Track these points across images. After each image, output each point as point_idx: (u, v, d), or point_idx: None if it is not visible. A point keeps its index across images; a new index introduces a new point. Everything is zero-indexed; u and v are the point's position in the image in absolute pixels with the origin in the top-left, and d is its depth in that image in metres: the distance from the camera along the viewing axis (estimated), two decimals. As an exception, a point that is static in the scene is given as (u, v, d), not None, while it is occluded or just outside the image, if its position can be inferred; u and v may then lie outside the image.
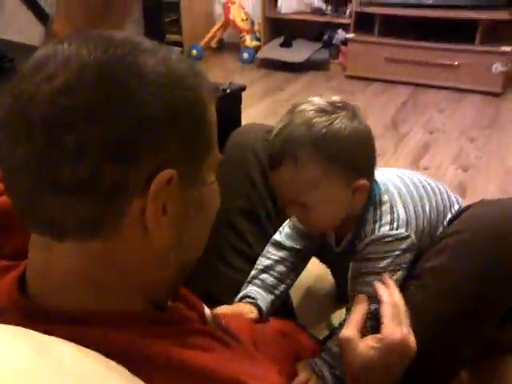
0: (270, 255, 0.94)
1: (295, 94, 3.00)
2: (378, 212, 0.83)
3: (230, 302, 0.89)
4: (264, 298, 0.89)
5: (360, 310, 0.64)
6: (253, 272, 0.92)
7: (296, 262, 0.94)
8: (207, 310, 0.63)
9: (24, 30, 2.30)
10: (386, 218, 0.83)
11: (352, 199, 0.80)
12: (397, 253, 0.82)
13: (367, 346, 0.64)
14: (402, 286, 0.81)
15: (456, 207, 0.94)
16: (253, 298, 0.89)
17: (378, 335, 0.62)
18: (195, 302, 0.61)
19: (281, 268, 0.92)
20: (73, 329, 0.41)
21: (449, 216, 0.92)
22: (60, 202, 0.40)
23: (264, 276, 0.91)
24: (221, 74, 3.47)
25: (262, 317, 0.88)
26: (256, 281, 0.91)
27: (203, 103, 0.46)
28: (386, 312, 0.65)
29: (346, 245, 0.88)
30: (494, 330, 0.84)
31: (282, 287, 0.92)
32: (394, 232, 0.82)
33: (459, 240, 0.82)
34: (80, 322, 0.42)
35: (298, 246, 0.93)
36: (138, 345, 0.42)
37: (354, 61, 3.19)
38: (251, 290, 0.90)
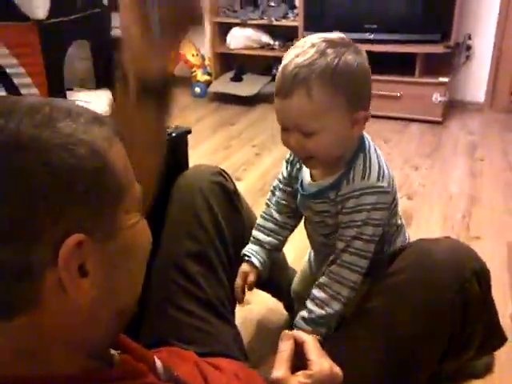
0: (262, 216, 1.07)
1: (246, 128, 3.05)
2: (368, 161, 0.87)
3: (183, 345, 0.89)
4: (258, 253, 1.02)
5: (287, 347, 0.66)
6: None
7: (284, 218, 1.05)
8: (158, 362, 0.63)
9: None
10: (375, 167, 0.87)
11: (351, 131, 0.84)
12: (378, 206, 0.85)
13: (299, 383, 0.65)
14: (344, 324, 0.85)
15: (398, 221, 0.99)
16: (248, 256, 1.02)
17: (308, 371, 0.64)
18: (144, 354, 0.61)
19: (270, 225, 1.04)
20: None
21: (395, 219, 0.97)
22: None
23: (255, 233, 1.05)
24: (173, 108, 3.48)
25: (260, 272, 1.01)
26: (252, 238, 1.05)
27: (100, 154, 0.44)
28: (310, 347, 0.66)
29: (325, 187, 0.91)
30: (436, 364, 0.88)
31: (274, 241, 1.04)
32: (380, 184, 0.86)
33: (396, 283, 0.86)
34: None
35: (283, 202, 1.05)
36: None
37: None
38: (248, 248, 1.03)
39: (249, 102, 3.41)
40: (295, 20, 3.31)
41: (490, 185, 2.23)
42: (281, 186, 1.05)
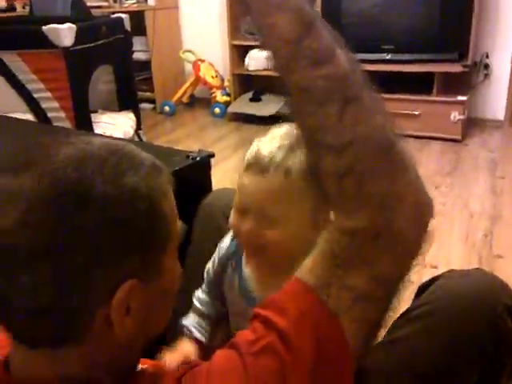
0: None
1: (266, 147, 3.08)
2: None
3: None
4: (202, 327, 0.91)
5: None
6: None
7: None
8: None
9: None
10: None
11: (312, 233, 0.68)
12: None
13: None
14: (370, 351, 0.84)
15: None
16: (189, 331, 0.91)
17: None
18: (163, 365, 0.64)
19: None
20: None
21: None
22: (22, 323, 0.43)
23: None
24: (193, 128, 3.55)
25: (204, 347, 0.89)
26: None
27: (157, 207, 0.46)
28: None
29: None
30: None
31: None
32: None
33: (422, 318, 0.84)
34: None
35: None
36: None
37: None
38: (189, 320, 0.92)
39: (268, 121, 3.45)
40: (313, 41, 3.36)
41: (511, 203, 2.21)
42: (203, 287, 0.94)
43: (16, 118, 1.77)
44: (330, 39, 0.49)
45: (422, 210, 0.49)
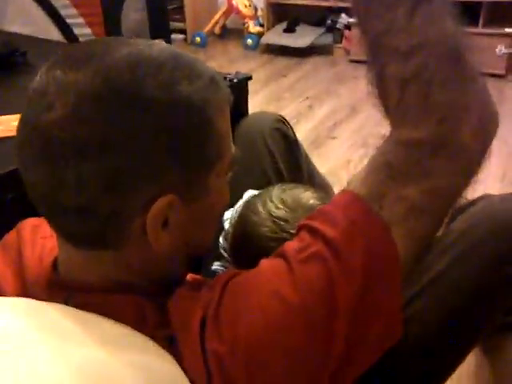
0: None
1: (299, 80, 3.02)
2: None
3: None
4: None
5: None
6: None
7: None
8: None
9: (33, 22, 2.32)
10: None
11: None
12: None
13: None
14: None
15: None
16: None
17: None
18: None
19: None
20: (84, 295, 0.46)
21: None
22: (66, 219, 0.43)
23: None
24: (225, 60, 3.48)
25: None
26: None
27: (208, 121, 0.45)
28: None
29: None
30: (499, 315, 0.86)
31: None
32: None
33: (462, 238, 0.81)
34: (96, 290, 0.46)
35: None
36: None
37: (358, 45, 3.17)
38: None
39: (302, 53, 3.35)
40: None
41: (554, 141, 2.13)
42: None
43: (55, 42, 1.76)
44: None
45: (488, 122, 0.47)
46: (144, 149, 0.41)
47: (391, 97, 0.46)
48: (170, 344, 0.43)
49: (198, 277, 0.67)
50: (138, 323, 0.43)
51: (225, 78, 1.09)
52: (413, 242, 0.46)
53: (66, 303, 0.45)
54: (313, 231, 0.46)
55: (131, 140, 0.41)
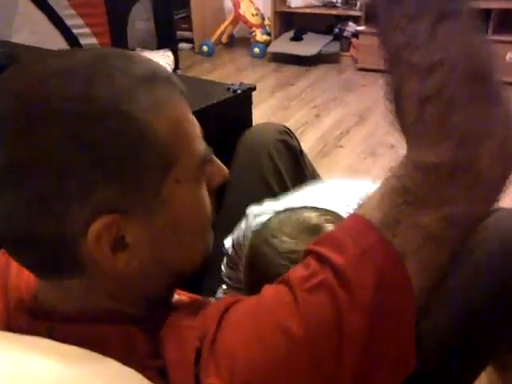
0: None
1: (306, 88, 3.00)
2: None
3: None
4: None
5: None
6: None
7: None
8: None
9: (39, 31, 2.33)
10: None
11: None
12: None
13: None
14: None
15: None
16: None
17: None
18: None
19: None
20: (68, 326, 0.43)
21: None
22: (16, 252, 0.42)
23: None
24: (232, 69, 3.47)
25: None
26: None
27: (139, 125, 0.40)
28: None
29: None
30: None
31: None
32: None
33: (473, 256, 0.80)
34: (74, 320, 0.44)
35: None
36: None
37: (366, 53, 3.16)
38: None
39: (309, 62, 3.33)
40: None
41: None
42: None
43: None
44: None
45: (510, 148, 0.43)
46: (64, 167, 0.38)
47: (409, 115, 0.42)
48: (160, 376, 0.40)
49: (196, 297, 0.64)
50: (127, 354, 0.41)
51: (228, 88, 1.07)
52: (428, 273, 0.43)
53: (49, 334, 0.42)
54: (320, 258, 0.43)
55: (49, 159, 0.38)
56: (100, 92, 0.39)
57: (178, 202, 0.44)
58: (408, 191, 0.42)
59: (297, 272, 0.43)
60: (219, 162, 0.52)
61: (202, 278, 0.96)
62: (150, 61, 0.45)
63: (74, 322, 0.44)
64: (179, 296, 0.57)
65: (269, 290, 0.44)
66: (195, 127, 0.46)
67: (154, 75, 0.43)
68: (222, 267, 0.91)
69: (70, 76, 0.39)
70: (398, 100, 0.43)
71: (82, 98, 0.39)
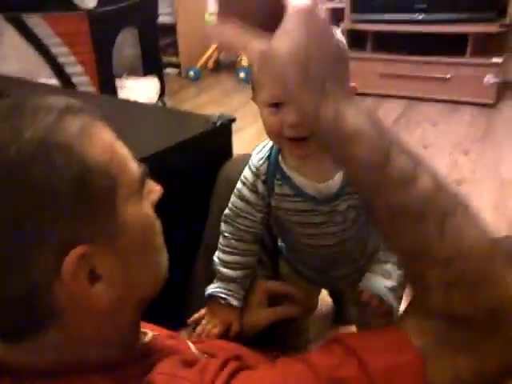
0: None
1: (291, 112, 3.03)
2: None
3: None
4: (235, 292, 0.89)
5: None
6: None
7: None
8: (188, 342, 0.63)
9: (24, 60, 2.35)
10: None
11: None
12: None
13: None
14: None
15: None
16: (223, 298, 0.88)
17: None
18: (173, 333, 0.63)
19: (235, 257, 0.91)
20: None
21: None
22: None
23: (222, 270, 0.91)
24: (218, 93, 3.51)
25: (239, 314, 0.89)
26: (219, 275, 0.91)
27: (74, 157, 0.40)
28: None
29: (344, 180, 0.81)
30: None
31: (245, 272, 0.91)
32: None
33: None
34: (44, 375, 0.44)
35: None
36: None
37: (359, 80, 3.21)
38: (219, 287, 0.90)
39: (293, 86, 3.38)
40: (341, 1, 3.24)
41: (544, 170, 2.13)
42: (244, 213, 0.91)
43: (41, 84, 1.77)
44: (410, 159, 0.45)
45: None
46: (11, 215, 0.38)
47: (434, 299, 0.45)
48: None
49: (173, 334, 0.64)
50: None
51: (207, 120, 1.09)
52: None
53: None
54: (348, 349, 0.43)
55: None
56: (25, 134, 0.39)
57: (134, 221, 0.45)
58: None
59: (321, 355, 0.44)
60: (151, 180, 0.52)
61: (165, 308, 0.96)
62: (60, 97, 0.46)
63: (41, 376, 0.43)
64: (153, 332, 0.57)
65: (288, 366, 0.45)
66: (124, 148, 0.47)
67: (72, 107, 0.44)
68: (219, 255, 0.92)
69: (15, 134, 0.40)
70: (422, 292, 0.46)
71: (11, 145, 0.39)
